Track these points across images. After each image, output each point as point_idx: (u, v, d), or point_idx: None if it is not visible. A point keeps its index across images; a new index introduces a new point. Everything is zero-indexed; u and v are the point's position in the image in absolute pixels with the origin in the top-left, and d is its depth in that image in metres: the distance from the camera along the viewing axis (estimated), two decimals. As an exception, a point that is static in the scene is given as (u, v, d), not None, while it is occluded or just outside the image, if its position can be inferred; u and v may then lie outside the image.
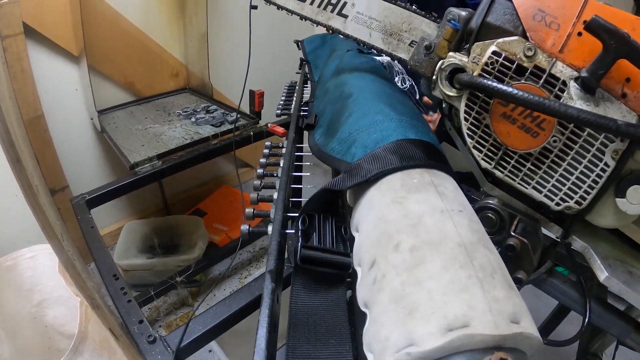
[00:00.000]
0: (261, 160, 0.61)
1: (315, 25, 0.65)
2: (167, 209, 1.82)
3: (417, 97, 0.79)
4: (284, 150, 0.62)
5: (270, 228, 0.45)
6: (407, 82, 0.84)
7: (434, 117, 0.97)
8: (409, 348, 0.24)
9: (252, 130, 1.36)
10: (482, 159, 0.44)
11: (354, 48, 0.82)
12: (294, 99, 0.83)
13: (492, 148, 0.43)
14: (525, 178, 0.42)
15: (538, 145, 0.40)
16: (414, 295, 0.26)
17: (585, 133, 0.38)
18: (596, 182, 0.39)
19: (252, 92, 1.30)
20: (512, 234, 0.45)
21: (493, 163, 0.43)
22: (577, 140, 0.38)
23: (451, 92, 0.44)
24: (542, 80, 0.39)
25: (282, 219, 0.46)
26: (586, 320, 0.48)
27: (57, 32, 1.30)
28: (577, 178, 0.39)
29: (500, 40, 0.40)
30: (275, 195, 0.51)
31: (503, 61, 0.40)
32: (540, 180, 0.42)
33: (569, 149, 0.39)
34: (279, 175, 0.57)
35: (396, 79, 0.83)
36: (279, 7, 0.67)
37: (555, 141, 0.39)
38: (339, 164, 0.47)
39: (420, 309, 0.25)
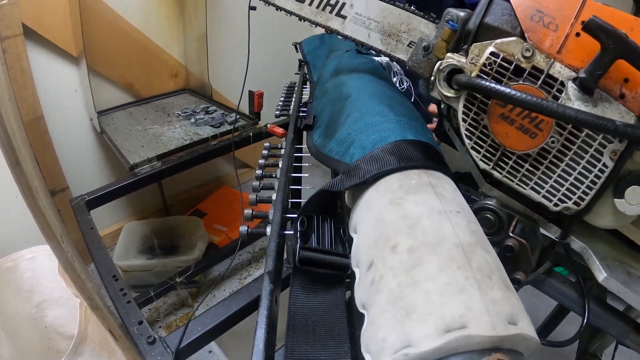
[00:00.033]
0: (260, 161, 0.61)
1: (314, 26, 0.66)
2: (167, 209, 1.82)
3: (412, 99, 0.79)
4: (282, 152, 0.62)
5: (269, 229, 0.45)
6: (405, 83, 0.84)
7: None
8: (406, 349, 0.24)
9: (251, 131, 1.36)
10: (481, 159, 0.44)
11: (352, 48, 0.82)
12: (293, 99, 0.83)
13: (490, 149, 0.43)
14: (524, 179, 0.42)
15: (536, 146, 0.40)
16: (411, 297, 0.26)
17: (584, 134, 0.38)
18: (594, 183, 0.39)
19: (251, 93, 1.30)
20: (511, 234, 0.45)
21: (491, 164, 0.43)
22: (575, 141, 0.38)
23: (449, 93, 0.44)
24: (540, 81, 0.39)
25: (280, 220, 0.46)
26: (585, 321, 0.48)
27: (56, 33, 1.30)
28: (576, 179, 0.39)
29: (498, 41, 0.40)
30: (274, 197, 0.51)
31: (501, 62, 0.40)
32: (539, 181, 0.42)
33: (567, 150, 0.39)
34: (278, 176, 0.57)
35: (394, 79, 0.83)
36: (278, 8, 0.67)
37: (553, 142, 0.39)
38: (338, 165, 0.47)
39: (418, 310, 0.25)
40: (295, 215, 0.46)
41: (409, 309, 0.25)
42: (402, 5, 0.55)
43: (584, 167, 0.39)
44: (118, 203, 1.69)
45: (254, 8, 0.74)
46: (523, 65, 0.39)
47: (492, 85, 0.37)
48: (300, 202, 0.49)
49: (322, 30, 0.76)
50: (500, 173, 0.43)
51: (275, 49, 1.91)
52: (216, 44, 1.72)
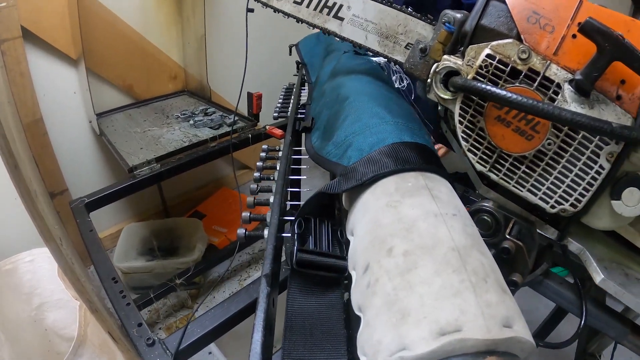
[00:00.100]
0: (258, 163, 0.61)
1: (311, 28, 0.66)
2: (166, 211, 1.82)
3: (412, 97, 0.79)
4: (280, 154, 0.62)
5: (266, 232, 0.46)
6: (405, 81, 0.84)
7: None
8: (401, 352, 0.24)
9: (250, 133, 1.36)
10: (477, 161, 0.44)
11: (350, 49, 0.82)
12: (291, 101, 0.83)
13: (486, 151, 0.43)
14: (520, 181, 0.42)
15: (532, 148, 0.40)
16: (406, 300, 0.26)
17: (580, 136, 0.38)
18: (591, 185, 0.39)
19: (250, 95, 1.30)
20: (508, 236, 0.45)
21: (488, 166, 0.43)
22: (571, 143, 0.38)
23: (446, 95, 0.44)
24: (536, 83, 0.39)
25: (278, 223, 0.46)
26: (582, 322, 0.48)
27: (55, 35, 1.30)
28: (572, 181, 0.39)
29: (494, 43, 0.40)
30: (271, 199, 0.51)
31: (497, 64, 0.40)
32: (535, 183, 0.42)
33: (564, 152, 0.39)
34: (276, 178, 0.57)
35: (393, 77, 0.83)
36: (276, 10, 0.68)
37: (549, 144, 0.39)
38: (335, 167, 0.47)
39: (413, 314, 0.25)
40: (293, 218, 0.46)
41: (404, 312, 0.25)
42: (399, 7, 0.55)
43: (580, 169, 0.39)
44: (117, 205, 1.69)
45: (251, 10, 0.75)
46: (519, 67, 0.39)
47: (488, 87, 0.37)
48: (299, 204, 0.49)
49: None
50: (497, 175, 0.43)
51: (274, 50, 1.91)
52: (215, 46, 1.72)
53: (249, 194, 0.57)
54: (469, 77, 0.41)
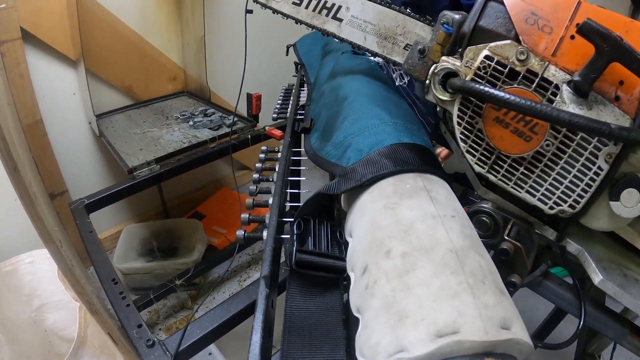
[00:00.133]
0: (257, 165, 0.61)
1: (310, 29, 0.66)
2: (166, 212, 1.82)
3: (415, 93, 0.79)
4: (279, 155, 0.62)
5: (265, 233, 0.46)
6: (406, 78, 0.84)
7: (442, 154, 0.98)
8: (399, 354, 0.24)
9: (249, 133, 1.36)
10: (476, 163, 0.44)
11: (348, 50, 0.82)
12: (291, 102, 0.83)
13: (485, 152, 0.43)
14: (519, 182, 0.42)
15: (531, 149, 0.40)
16: (404, 302, 0.26)
17: (578, 137, 0.38)
18: (590, 186, 0.39)
19: (249, 95, 1.30)
20: (506, 237, 0.45)
21: (486, 167, 0.43)
22: (570, 144, 0.38)
23: (444, 97, 0.44)
24: (534, 84, 0.39)
25: (277, 224, 0.46)
26: (581, 323, 0.48)
27: (54, 36, 1.30)
28: (571, 182, 0.39)
29: (492, 44, 0.40)
30: (270, 200, 0.51)
31: (495, 65, 0.40)
32: (534, 184, 0.42)
33: (562, 153, 0.39)
34: (275, 180, 0.57)
35: (394, 75, 0.83)
36: (275, 11, 0.68)
37: (548, 145, 0.39)
38: (334, 168, 0.47)
39: (410, 315, 0.25)
40: (292, 219, 0.46)
41: (402, 314, 0.25)
42: (397, 8, 0.55)
43: (579, 170, 0.39)
44: (117, 206, 1.69)
45: (250, 11, 0.75)
46: (517, 68, 0.39)
47: (486, 89, 0.37)
48: (298, 205, 0.49)
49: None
50: (496, 176, 0.43)
51: (273, 51, 1.90)
52: (214, 47, 1.72)
53: (248, 194, 0.57)
54: (468, 78, 0.41)
